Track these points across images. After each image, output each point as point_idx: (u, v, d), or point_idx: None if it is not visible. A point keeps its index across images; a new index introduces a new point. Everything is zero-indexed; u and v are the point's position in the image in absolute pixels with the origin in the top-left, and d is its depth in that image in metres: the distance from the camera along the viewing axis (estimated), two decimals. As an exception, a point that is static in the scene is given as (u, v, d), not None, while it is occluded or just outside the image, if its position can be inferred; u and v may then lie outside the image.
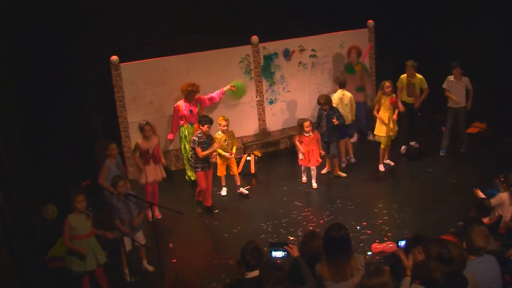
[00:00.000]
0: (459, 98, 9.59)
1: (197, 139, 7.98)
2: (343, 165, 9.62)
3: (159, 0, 9.80)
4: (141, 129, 7.94)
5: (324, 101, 8.86)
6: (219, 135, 8.43)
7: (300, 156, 8.89)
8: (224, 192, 8.91)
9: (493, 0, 9.98)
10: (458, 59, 9.58)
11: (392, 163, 9.59)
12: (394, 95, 9.09)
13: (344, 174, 9.26)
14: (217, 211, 8.41)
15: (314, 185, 9.09)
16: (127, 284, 6.77)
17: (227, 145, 8.51)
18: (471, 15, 10.30)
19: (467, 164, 9.58)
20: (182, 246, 7.73)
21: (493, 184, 7.80)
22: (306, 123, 8.76)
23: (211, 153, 8.20)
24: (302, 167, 9.21)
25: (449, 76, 9.58)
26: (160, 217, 8.29)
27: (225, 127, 8.40)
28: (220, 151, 8.42)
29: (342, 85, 9.45)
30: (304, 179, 9.25)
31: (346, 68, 10.43)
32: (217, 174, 8.73)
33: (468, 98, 9.61)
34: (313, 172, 9.06)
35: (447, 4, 10.78)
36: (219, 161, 8.64)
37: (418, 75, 9.48)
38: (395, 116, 9.11)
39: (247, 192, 8.63)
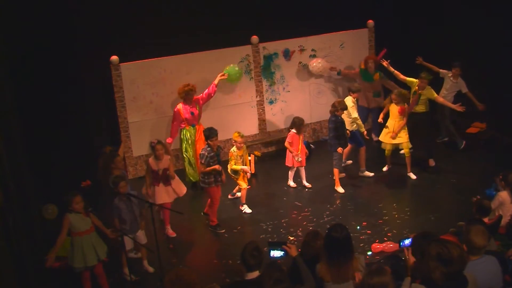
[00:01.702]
0: (449, 96, 9.72)
1: (206, 153, 7.58)
2: (343, 164, 9.62)
3: (159, 0, 9.80)
4: (152, 148, 7.59)
5: (344, 106, 8.66)
6: (234, 151, 8.24)
7: (298, 158, 8.84)
8: (247, 209, 8.46)
9: (493, 0, 9.98)
10: (459, 59, 9.62)
11: (414, 177, 9.15)
12: (405, 105, 8.94)
13: (342, 190, 8.91)
14: (223, 231, 8.03)
15: (308, 184, 9.09)
16: (127, 284, 6.76)
17: (242, 161, 8.31)
18: (472, 14, 10.29)
19: (467, 164, 9.58)
20: (182, 246, 7.72)
21: (491, 184, 7.82)
22: (304, 122, 8.80)
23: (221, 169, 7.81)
24: (290, 172, 9.14)
25: (449, 71, 9.76)
26: (174, 235, 7.94)
27: (241, 144, 8.21)
28: (235, 166, 8.23)
29: (350, 90, 9.26)
30: (292, 184, 9.20)
31: (362, 74, 10.36)
32: (241, 189, 8.41)
33: (468, 99, 9.68)
34: (303, 173, 9.06)
35: (447, 3, 10.78)
36: (233, 178, 8.38)
37: (429, 89, 9.18)
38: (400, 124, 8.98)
39: (250, 211, 8.49)
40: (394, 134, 8.97)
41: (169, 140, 9.13)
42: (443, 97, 9.59)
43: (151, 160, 7.63)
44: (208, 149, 7.63)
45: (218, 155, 7.73)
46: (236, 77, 9.70)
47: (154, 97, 9.71)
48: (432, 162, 9.56)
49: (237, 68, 9.66)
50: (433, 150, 9.71)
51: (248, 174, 8.53)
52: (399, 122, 8.95)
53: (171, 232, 7.92)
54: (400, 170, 9.37)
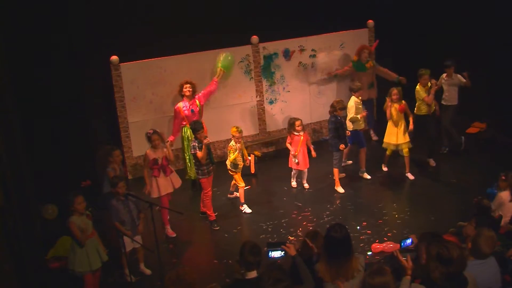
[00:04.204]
0: (451, 96, 9.66)
1: (197, 144, 7.74)
2: (343, 164, 9.63)
3: (159, 0, 9.80)
4: (149, 138, 7.67)
5: (343, 106, 8.65)
6: (233, 145, 8.27)
7: (295, 160, 8.83)
8: (247, 209, 8.48)
9: (492, 0, 9.99)
10: (459, 58, 9.61)
11: (412, 177, 9.18)
12: (403, 102, 8.91)
13: (342, 190, 8.91)
14: (218, 228, 8.08)
15: (306, 185, 9.10)
16: (127, 284, 6.76)
17: (241, 155, 8.35)
18: (471, 15, 10.30)
19: (467, 164, 9.58)
20: (182, 246, 7.73)
21: (492, 184, 7.82)
22: (298, 122, 8.70)
23: (211, 151, 8.02)
24: (293, 171, 9.14)
25: (442, 74, 9.67)
26: (174, 235, 7.98)
27: (239, 139, 8.24)
28: (233, 156, 8.26)
29: (351, 90, 9.22)
30: (294, 183, 9.20)
31: (355, 66, 10.41)
32: (239, 188, 8.46)
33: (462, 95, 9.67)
34: (305, 174, 9.06)
35: (447, 4, 10.78)
36: (231, 172, 8.40)
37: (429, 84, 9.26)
38: (411, 127, 9.00)
39: (250, 210, 8.48)
40: (411, 128, 8.97)
41: (171, 138, 9.09)
42: (448, 101, 9.66)
43: (149, 151, 7.70)
44: (197, 141, 7.75)
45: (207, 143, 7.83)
46: (230, 67, 9.71)
47: (154, 97, 9.71)
48: (432, 162, 9.57)
49: (226, 60, 9.57)
50: (434, 150, 9.70)
51: (248, 162, 8.58)
52: (402, 120, 8.93)
53: (170, 232, 7.94)
54: (400, 171, 9.36)
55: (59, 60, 9.06)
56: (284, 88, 10.69)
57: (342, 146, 8.65)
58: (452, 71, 9.59)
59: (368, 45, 10.49)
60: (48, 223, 8.24)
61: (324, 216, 8.15)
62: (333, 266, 4.49)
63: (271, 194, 9.09)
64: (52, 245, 7.42)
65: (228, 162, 8.38)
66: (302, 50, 10.63)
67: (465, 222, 6.63)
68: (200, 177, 7.96)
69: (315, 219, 8.08)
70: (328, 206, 8.46)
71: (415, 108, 9.26)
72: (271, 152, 10.75)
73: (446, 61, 9.55)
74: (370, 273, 4.17)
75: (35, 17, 8.74)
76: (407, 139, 9.01)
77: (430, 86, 9.16)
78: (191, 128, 8.01)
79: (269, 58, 10.42)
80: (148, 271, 7.05)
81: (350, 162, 9.76)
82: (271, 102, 10.65)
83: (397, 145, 9.09)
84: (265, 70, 10.45)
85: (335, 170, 8.91)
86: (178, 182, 7.97)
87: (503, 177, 6.86)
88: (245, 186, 8.83)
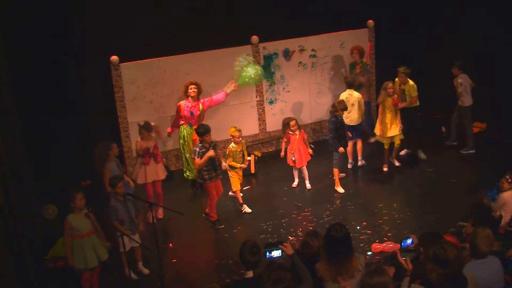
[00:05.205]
0: (468, 93, 9.70)
1: (198, 149, 7.67)
2: (350, 165, 9.63)
3: (159, 0, 9.80)
4: (139, 130, 8.03)
5: (344, 107, 8.67)
6: (233, 147, 8.26)
7: (291, 157, 8.83)
8: (248, 209, 8.46)
9: (494, 0, 9.98)
10: (459, 58, 9.63)
11: (398, 163, 9.51)
12: (396, 96, 9.03)
13: (342, 190, 8.89)
14: (223, 226, 8.11)
15: (308, 185, 9.06)
16: (127, 284, 6.76)
17: (242, 156, 8.39)
18: (472, 14, 10.29)
19: (467, 164, 9.58)
20: (182, 246, 7.72)
21: (494, 184, 7.81)
22: (292, 122, 8.68)
23: (215, 158, 7.81)
24: (293, 169, 9.14)
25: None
26: (161, 216, 8.33)
27: (239, 138, 8.24)
28: (233, 163, 8.29)
29: (349, 85, 9.27)
30: (295, 183, 9.18)
31: (350, 67, 10.51)
32: (233, 189, 8.51)
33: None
34: (305, 172, 9.03)
35: (447, 3, 10.77)
36: (230, 173, 8.40)
37: (410, 82, 9.30)
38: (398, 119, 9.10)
39: (250, 210, 8.49)
40: (390, 125, 9.07)
41: (168, 129, 9.24)
42: (465, 99, 9.69)
43: (139, 141, 7.96)
44: (200, 145, 7.69)
45: (214, 148, 7.78)
46: (254, 82, 9.28)
47: (154, 97, 9.71)
48: (423, 155, 9.67)
49: (252, 73, 9.01)
50: (423, 143, 9.79)
51: (245, 164, 8.58)
52: (395, 114, 9.05)
53: (159, 213, 8.31)
54: (400, 170, 9.37)
55: (59, 60, 9.06)
56: (284, 88, 10.69)
57: (341, 149, 8.64)
58: (456, 72, 9.65)
59: (359, 45, 10.31)
60: (48, 223, 8.24)
61: (324, 216, 8.15)
62: (333, 266, 4.49)
63: (271, 194, 9.09)
64: (52, 245, 7.42)
65: (226, 163, 8.38)
66: (302, 50, 10.63)
67: (465, 222, 6.65)
68: (201, 181, 7.99)
69: (315, 219, 8.08)
70: (328, 206, 8.46)
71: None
72: (271, 152, 10.75)
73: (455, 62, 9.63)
74: (368, 273, 4.17)
75: (35, 17, 8.74)
76: (400, 131, 9.15)
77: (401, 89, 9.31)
78: (196, 131, 7.88)
79: (269, 58, 10.41)
80: (146, 271, 7.04)
81: (363, 162, 9.74)
82: (271, 102, 10.65)
83: (390, 138, 9.15)
84: (265, 70, 10.42)
85: (335, 170, 8.90)
86: (164, 172, 8.24)
87: (510, 180, 6.84)
88: (245, 187, 8.93)
